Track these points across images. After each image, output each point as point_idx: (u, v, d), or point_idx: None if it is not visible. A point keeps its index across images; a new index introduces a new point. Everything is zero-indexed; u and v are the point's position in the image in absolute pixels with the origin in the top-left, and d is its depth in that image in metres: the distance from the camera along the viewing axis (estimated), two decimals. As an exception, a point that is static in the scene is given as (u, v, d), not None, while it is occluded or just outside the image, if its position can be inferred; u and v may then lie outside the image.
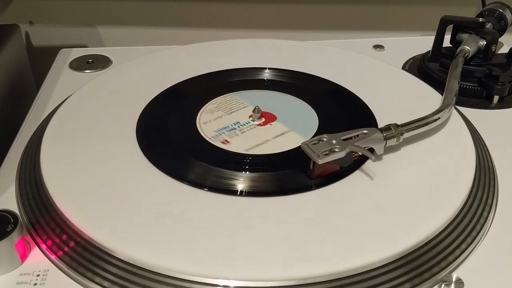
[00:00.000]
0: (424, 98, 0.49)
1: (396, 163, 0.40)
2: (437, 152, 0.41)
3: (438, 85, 0.51)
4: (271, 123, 0.45)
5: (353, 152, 0.39)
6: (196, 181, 0.37)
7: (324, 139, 0.38)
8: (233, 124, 0.44)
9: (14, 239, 0.32)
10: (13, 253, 0.32)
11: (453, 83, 0.47)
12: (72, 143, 0.41)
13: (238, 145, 0.41)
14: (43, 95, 0.52)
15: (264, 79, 0.52)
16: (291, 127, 0.44)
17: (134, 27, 0.80)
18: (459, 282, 0.32)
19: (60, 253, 0.33)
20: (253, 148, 0.41)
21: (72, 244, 0.33)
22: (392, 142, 0.39)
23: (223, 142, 0.42)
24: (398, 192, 0.37)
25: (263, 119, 0.45)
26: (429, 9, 0.79)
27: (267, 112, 0.46)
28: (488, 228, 0.36)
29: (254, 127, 0.44)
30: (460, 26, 0.55)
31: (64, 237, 0.34)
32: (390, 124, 0.40)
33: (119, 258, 0.32)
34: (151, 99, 0.48)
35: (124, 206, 0.35)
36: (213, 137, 0.42)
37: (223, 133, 0.43)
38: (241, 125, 0.44)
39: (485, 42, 0.53)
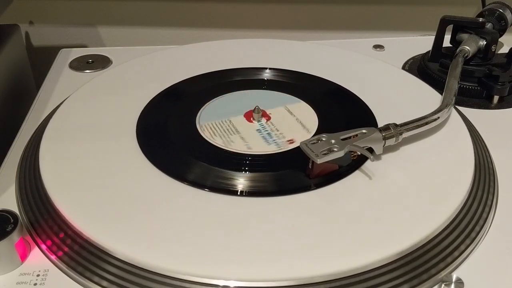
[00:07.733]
0: (424, 98, 0.49)
1: (395, 163, 0.40)
2: (436, 152, 0.41)
3: (438, 85, 0.51)
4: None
5: (352, 151, 0.39)
6: (196, 181, 0.37)
7: (323, 139, 0.38)
8: (260, 131, 0.43)
9: (14, 239, 0.32)
10: (13, 253, 0.32)
11: (453, 83, 0.47)
12: (72, 143, 0.41)
13: (298, 137, 0.42)
14: (43, 95, 0.52)
15: (264, 79, 0.52)
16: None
17: (134, 27, 0.80)
18: (459, 282, 0.32)
19: (60, 253, 0.33)
20: (307, 131, 0.43)
21: (72, 244, 0.33)
22: (391, 141, 0.39)
23: (289, 142, 0.41)
24: (397, 192, 0.37)
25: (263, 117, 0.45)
26: (429, 9, 0.79)
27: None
28: (488, 228, 0.36)
29: (271, 123, 0.44)
30: (460, 26, 0.55)
31: (64, 237, 0.34)
32: (389, 123, 0.40)
33: (119, 258, 0.32)
34: (151, 99, 0.48)
35: (124, 206, 0.35)
36: (278, 145, 0.41)
37: (274, 140, 0.42)
38: (263, 127, 0.44)
39: (485, 42, 0.53)
